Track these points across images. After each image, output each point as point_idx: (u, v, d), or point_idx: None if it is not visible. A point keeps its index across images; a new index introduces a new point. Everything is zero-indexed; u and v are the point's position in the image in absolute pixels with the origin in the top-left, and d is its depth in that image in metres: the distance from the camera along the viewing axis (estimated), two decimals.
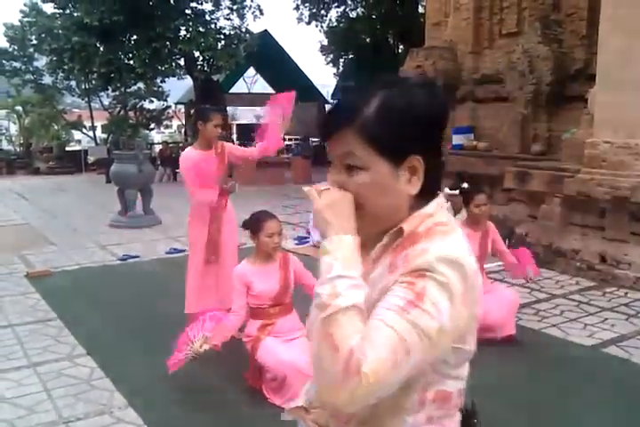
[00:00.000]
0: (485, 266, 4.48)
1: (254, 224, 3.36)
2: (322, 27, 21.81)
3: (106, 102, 21.10)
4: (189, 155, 4.15)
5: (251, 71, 23.20)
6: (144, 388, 3.51)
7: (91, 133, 22.36)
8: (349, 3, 21.30)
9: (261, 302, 3.34)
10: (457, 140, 8.71)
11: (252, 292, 3.33)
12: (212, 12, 17.38)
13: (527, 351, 4.02)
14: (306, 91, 21.89)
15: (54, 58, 16.63)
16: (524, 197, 6.96)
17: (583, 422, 3.09)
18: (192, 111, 4.45)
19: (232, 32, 17.32)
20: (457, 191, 6.29)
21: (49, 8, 17.48)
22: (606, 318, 4.68)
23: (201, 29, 16.04)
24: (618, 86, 5.70)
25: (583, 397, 3.37)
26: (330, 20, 21.74)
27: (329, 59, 22.53)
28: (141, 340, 4.30)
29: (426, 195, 1.10)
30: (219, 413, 3.21)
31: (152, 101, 21.14)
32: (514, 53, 7.92)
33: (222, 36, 16.96)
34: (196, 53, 16.85)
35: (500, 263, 6.34)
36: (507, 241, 6.87)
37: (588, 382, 3.55)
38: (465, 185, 6.26)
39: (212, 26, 16.97)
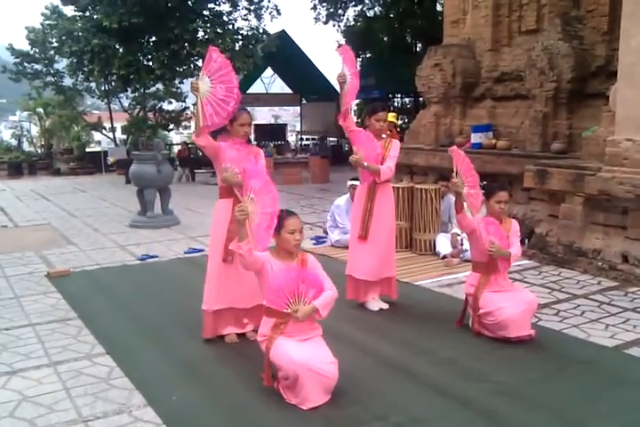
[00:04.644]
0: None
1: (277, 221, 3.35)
2: (339, 26, 21.78)
3: (125, 104, 21.23)
4: (221, 142, 4.14)
5: (268, 71, 23.26)
6: (163, 387, 3.52)
7: (110, 135, 22.48)
8: (367, 2, 21.24)
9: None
10: (476, 138, 8.63)
11: (270, 280, 3.32)
12: (229, 13, 17.43)
13: (547, 352, 3.96)
14: (323, 90, 21.89)
15: (74, 60, 16.78)
16: (544, 195, 6.88)
17: (605, 425, 3.04)
18: None
19: (249, 33, 17.34)
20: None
21: (69, 11, 17.68)
22: (628, 319, 4.60)
23: (218, 31, 16.10)
24: None
25: (604, 399, 3.31)
26: (347, 19, 21.71)
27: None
28: (160, 339, 4.32)
29: None
30: (237, 413, 3.20)
31: (171, 102, 21.23)
32: (533, 51, 7.83)
33: (240, 37, 17.00)
34: None
35: (519, 263, 6.30)
36: (527, 241, 6.81)
37: (609, 384, 3.49)
38: (483, 183, 6.22)
39: (230, 27, 17.01)
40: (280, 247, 3.39)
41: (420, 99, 16.29)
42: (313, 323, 3.44)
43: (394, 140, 4.88)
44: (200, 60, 17.12)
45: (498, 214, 4.25)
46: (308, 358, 3.17)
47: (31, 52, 19.74)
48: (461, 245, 6.45)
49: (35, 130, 27.41)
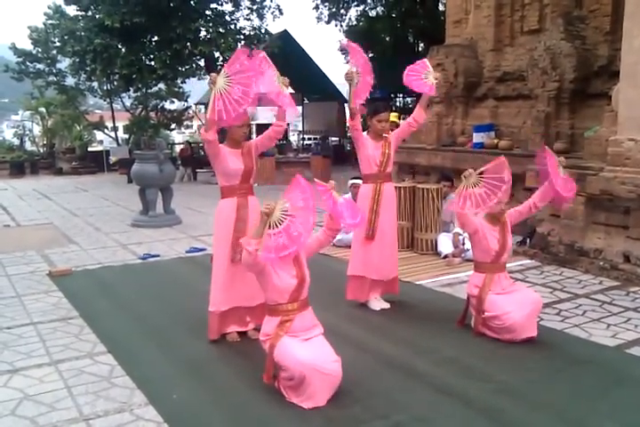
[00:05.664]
0: (507, 265, 4.42)
1: None
2: (341, 26, 21.78)
3: (127, 103, 21.26)
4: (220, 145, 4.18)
5: None
6: (164, 386, 3.52)
7: (112, 134, 22.51)
8: (369, 1, 21.23)
9: (279, 297, 3.34)
10: (478, 138, 8.63)
11: (268, 284, 3.32)
12: (231, 13, 17.44)
13: (549, 352, 3.96)
14: (325, 90, 21.90)
15: (77, 59, 16.82)
16: None
17: (607, 424, 3.03)
18: None
19: (252, 33, 17.36)
20: None
21: (72, 10, 17.71)
22: (630, 319, 4.60)
23: (221, 30, 16.11)
24: None
25: (605, 398, 3.30)
26: (349, 19, 21.70)
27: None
28: (162, 338, 4.32)
29: None
30: (238, 412, 3.21)
31: (173, 102, 21.26)
32: (536, 50, 7.82)
33: (242, 37, 17.02)
34: (217, 54, 16.92)
35: (521, 263, 6.30)
36: (528, 240, 6.81)
37: (611, 384, 3.48)
38: None
39: (232, 26, 17.03)
40: None
41: None
42: (313, 316, 3.46)
43: (389, 137, 4.87)
44: (202, 60, 17.17)
45: (498, 215, 4.25)
46: (313, 359, 3.17)
47: (34, 52, 19.77)
48: (463, 244, 6.44)
49: (37, 129, 27.45)
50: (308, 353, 3.20)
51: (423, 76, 4.81)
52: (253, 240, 3.14)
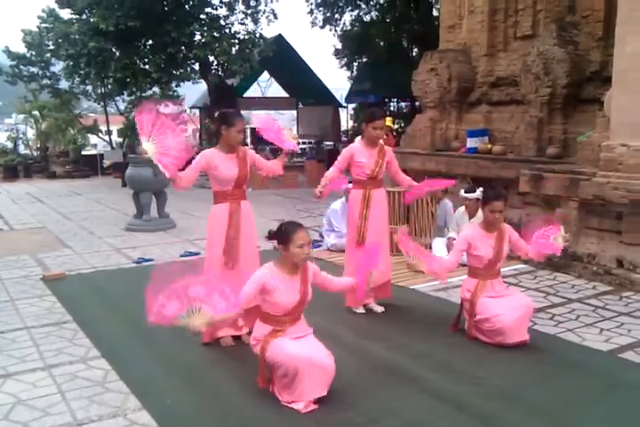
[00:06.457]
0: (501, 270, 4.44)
1: (284, 235, 3.30)
2: (336, 30, 21.89)
3: (121, 107, 21.25)
4: (208, 152, 4.18)
5: (265, 75, 23.30)
6: (158, 390, 3.52)
7: (107, 138, 22.49)
8: (363, 6, 21.33)
9: (277, 311, 3.35)
10: (471, 143, 8.66)
11: (271, 299, 3.33)
12: (226, 17, 17.45)
13: (542, 356, 3.98)
14: (319, 94, 21.94)
15: (71, 63, 16.78)
16: (539, 200, 6.90)
17: None
18: (215, 114, 4.57)
19: (246, 37, 17.38)
20: (474, 195, 6.29)
21: (66, 14, 17.69)
22: (623, 323, 4.62)
23: (215, 34, 16.10)
24: (635, 88, 5.64)
25: (599, 403, 3.32)
26: (344, 23, 21.82)
27: (343, 62, 22.57)
28: (156, 342, 4.30)
29: None
30: (232, 416, 3.20)
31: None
32: (529, 56, 7.86)
33: (236, 41, 17.04)
34: (211, 58, 16.93)
35: (514, 267, 6.32)
36: None
37: (604, 388, 3.50)
38: (480, 189, 6.25)
39: (227, 31, 17.03)
40: (287, 260, 3.36)
41: (417, 103, 16.36)
42: (305, 324, 3.49)
43: (387, 148, 4.90)
44: (197, 64, 17.17)
45: (493, 222, 4.27)
46: (305, 352, 3.22)
47: (27, 55, 19.74)
48: None
49: (30, 133, 27.33)
50: (300, 347, 3.24)
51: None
52: (221, 318, 3.23)
